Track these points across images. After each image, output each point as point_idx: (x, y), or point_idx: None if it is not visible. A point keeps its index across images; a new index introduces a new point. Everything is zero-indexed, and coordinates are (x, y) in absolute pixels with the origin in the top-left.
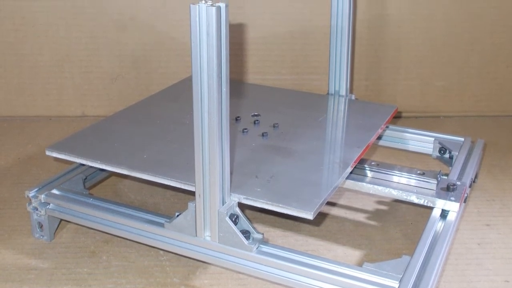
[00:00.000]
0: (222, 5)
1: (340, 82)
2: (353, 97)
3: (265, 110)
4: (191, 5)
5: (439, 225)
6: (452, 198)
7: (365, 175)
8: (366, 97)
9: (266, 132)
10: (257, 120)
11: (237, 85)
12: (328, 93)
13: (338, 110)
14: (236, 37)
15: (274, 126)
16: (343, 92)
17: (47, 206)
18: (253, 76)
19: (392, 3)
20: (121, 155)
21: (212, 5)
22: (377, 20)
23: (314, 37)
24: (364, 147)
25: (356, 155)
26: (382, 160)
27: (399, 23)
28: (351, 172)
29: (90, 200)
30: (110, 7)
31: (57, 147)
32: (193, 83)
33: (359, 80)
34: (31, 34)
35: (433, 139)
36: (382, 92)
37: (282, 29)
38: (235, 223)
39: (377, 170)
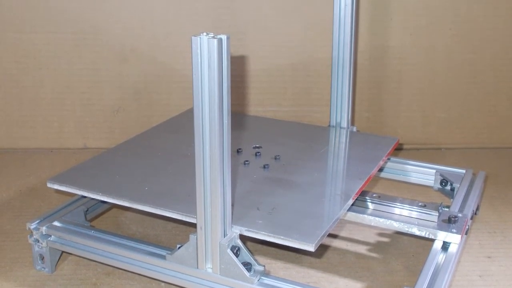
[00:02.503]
0: (224, 37)
1: (341, 114)
2: (354, 129)
3: (267, 142)
4: (192, 37)
5: (441, 257)
6: (454, 230)
7: (367, 207)
8: (367, 129)
9: (267, 164)
10: (259, 152)
11: (238, 117)
12: (329, 125)
13: (339, 142)
14: (237, 69)
15: (275, 158)
16: (344, 124)
17: (49, 238)
18: (254, 108)
19: (393, 34)
20: (123, 187)
21: (213, 37)
22: (379, 51)
23: (315, 69)
24: (366, 179)
25: (357, 187)
26: (384, 192)
27: (400, 55)
28: (352, 204)
29: (92, 232)
30: (111, 39)
31: (58, 179)
32: (195, 115)
33: (360, 112)
34: (32, 66)
35: (434, 171)
36: (383, 124)
37: (283, 61)
38: (237, 255)
39: (378, 202)
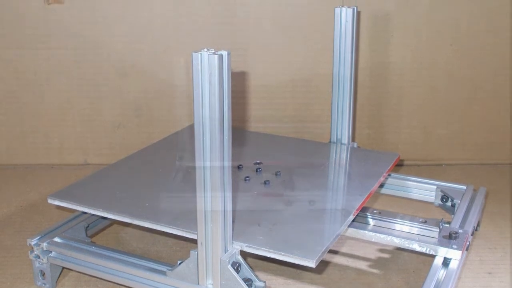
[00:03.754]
0: (224, 53)
1: (342, 130)
2: (355, 145)
3: (267, 158)
4: (193, 53)
5: (441, 273)
6: (454, 246)
7: (367, 223)
8: (368, 145)
9: (268, 180)
10: (259, 168)
11: (239, 133)
12: (330, 141)
13: (340, 158)
14: (238, 85)
15: (276, 174)
16: (345, 140)
17: (49, 254)
18: (255, 124)
19: (394, 51)
20: (123, 203)
21: (214, 53)
22: (379, 68)
23: (316, 85)
24: (366, 195)
25: (358, 203)
26: (384, 208)
27: (401, 71)
28: (353, 220)
29: (92, 248)
30: (111, 54)
31: (59, 195)
32: (196, 131)
33: (361, 128)
34: (32, 82)
35: (435, 187)
36: (384, 140)
37: (284, 77)
38: (237, 271)
39: (379, 218)
